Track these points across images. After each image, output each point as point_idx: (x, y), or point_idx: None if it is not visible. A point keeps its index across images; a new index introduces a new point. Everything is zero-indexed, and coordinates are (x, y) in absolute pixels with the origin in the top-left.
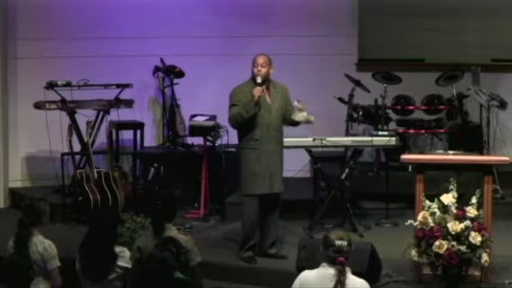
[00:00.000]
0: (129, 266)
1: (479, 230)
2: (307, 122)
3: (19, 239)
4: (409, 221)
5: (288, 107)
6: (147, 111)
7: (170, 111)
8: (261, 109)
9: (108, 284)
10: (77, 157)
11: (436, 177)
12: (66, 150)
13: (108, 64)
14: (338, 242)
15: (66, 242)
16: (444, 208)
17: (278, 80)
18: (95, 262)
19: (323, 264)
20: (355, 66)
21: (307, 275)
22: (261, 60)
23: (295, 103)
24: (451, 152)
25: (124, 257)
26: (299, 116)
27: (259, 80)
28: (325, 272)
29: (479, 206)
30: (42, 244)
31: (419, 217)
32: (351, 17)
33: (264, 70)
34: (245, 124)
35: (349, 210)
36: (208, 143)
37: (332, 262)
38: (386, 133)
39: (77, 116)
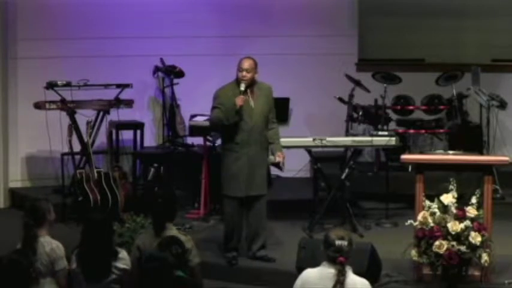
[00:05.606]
0: (127, 267)
1: (479, 230)
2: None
3: (26, 242)
4: (409, 221)
5: (271, 107)
6: (147, 111)
7: (170, 111)
8: (244, 115)
9: (106, 286)
10: (77, 157)
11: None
12: (66, 150)
13: (108, 64)
14: (338, 242)
15: (66, 242)
16: (444, 208)
17: (263, 81)
18: (94, 262)
19: (324, 263)
20: (355, 66)
21: (308, 274)
22: (246, 65)
23: (270, 156)
24: (451, 152)
25: (122, 259)
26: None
27: (242, 87)
28: (326, 272)
29: (479, 206)
30: (49, 245)
31: (419, 217)
32: (351, 17)
33: (248, 76)
34: (227, 128)
35: (349, 210)
36: (208, 143)
37: (332, 262)
38: (386, 133)
39: (77, 116)
